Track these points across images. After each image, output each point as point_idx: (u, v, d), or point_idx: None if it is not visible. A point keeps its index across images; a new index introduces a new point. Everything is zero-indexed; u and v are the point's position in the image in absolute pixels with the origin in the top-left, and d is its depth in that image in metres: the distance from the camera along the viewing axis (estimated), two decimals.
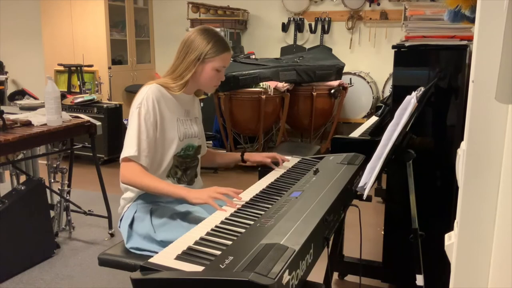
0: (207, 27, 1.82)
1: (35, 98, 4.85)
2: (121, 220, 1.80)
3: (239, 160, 2.06)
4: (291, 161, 2.03)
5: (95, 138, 3.01)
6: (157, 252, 1.17)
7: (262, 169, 1.99)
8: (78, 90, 5.21)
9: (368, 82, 5.25)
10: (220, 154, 2.18)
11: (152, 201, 1.77)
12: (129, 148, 1.67)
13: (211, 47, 1.75)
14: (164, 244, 1.58)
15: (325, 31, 5.67)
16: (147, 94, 1.72)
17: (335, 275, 2.57)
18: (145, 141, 1.69)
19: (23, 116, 2.74)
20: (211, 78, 1.80)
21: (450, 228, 1.13)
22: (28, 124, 2.63)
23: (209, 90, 1.92)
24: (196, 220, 1.60)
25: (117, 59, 6.08)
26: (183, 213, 1.69)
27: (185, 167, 1.86)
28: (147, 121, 1.70)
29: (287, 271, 0.97)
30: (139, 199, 1.78)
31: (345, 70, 4.99)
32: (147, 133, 1.69)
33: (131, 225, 1.74)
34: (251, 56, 5.18)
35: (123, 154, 1.68)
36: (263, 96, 4.36)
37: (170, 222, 1.67)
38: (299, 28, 5.76)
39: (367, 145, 2.32)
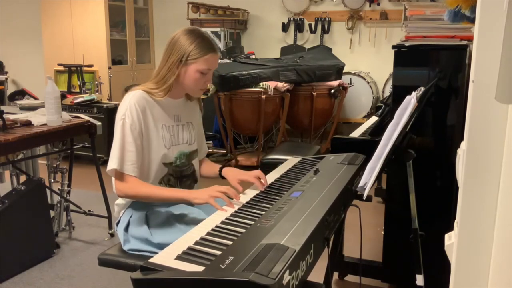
0: (193, 28, 1.74)
1: (35, 98, 4.85)
2: (117, 224, 1.80)
3: (217, 174, 1.91)
4: (291, 160, 2.03)
5: (95, 138, 3.01)
6: (155, 253, 1.17)
7: (262, 169, 1.98)
8: (78, 90, 5.21)
9: (368, 82, 5.25)
10: (205, 164, 2.01)
11: (147, 205, 1.75)
12: (111, 161, 1.64)
13: (194, 48, 1.67)
14: (161, 246, 1.57)
15: (325, 31, 5.67)
16: (130, 103, 1.67)
17: (335, 275, 2.57)
18: (134, 153, 1.65)
19: (23, 116, 2.74)
20: (195, 81, 1.71)
21: (450, 228, 1.13)
22: (28, 124, 2.63)
23: (195, 94, 1.82)
24: (193, 222, 1.60)
25: (117, 59, 6.08)
26: (179, 216, 1.68)
27: (180, 175, 1.82)
28: (133, 132, 1.65)
29: (287, 271, 0.97)
30: (133, 204, 1.77)
31: (345, 70, 4.99)
32: (135, 144, 1.65)
33: (126, 229, 1.73)
34: (251, 56, 5.17)
35: (108, 167, 1.66)
36: (263, 96, 4.36)
37: (166, 225, 1.66)
38: (299, 28, 5.76)
39: (367, 145, 2.32)
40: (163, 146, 1.74)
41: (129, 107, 1.66)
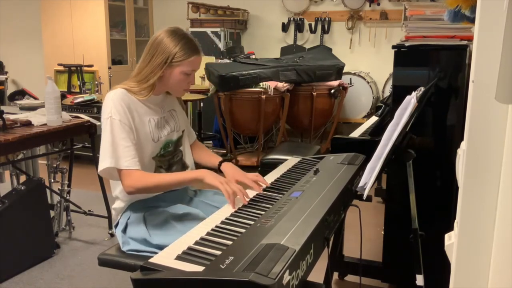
0: (176, 28, 1.73)
1: (35, 98, 4.85)
2: (115, 226, 1.79)
3: (215, 167, 1.86)
4: (291, 160, 2.03)
5: (95, 138, 3.01)
6: (155, 253, 1.17)
7: (262, 169, 1.98)
8: (78, 90, 5.21)
9: (368, 82, 5.25)
10: (203, 152, 2.01)
11: (145, 207, 1.74)
12: (104, 161, 1.61)
13: (179, 50, 1.66)
14: (160, 247, 1.56)
15: (325, 31, 5.67)
16: (113, 101, 1.64)
17: (335, 275, 2.57)
18: (131, 147, 1.63)
19: (23, 116, 2.74)
20: (180, 82, 1.72)
21: (450, 228, 1.13)
22: (28, 124, 2.63)
23: (178, 94, 1.84)
24: (192, 223, 1.58)
25: (117, 59, 6.08)
26: (178, 216, 1.67)
27: (168, 164, 1.81)
28: (124, 127, 1.63)
29: (287, 271, 0.97)
30: (130, 207, 1.76)
31: (345, 70, 4.99)
32: (129, 139, 1.63)
33: (124, 230, 1.72)
34: (251, 56, 5.17)
35: (100, 167, 1.62)
36: (263, 96, 4.36)
37: (164, 226, 1.65)
38: (299, 28, 5.76)
39: (367, 145, 2.32)
40: (151, 140, 1.73)
41: (113, 105, 1.64)
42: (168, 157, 1.81)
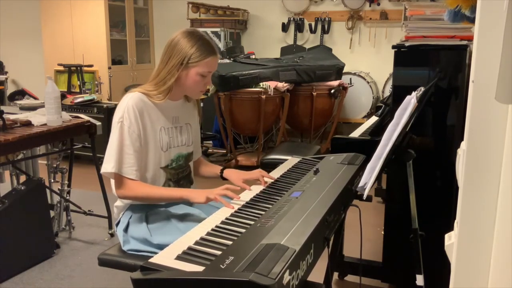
0: (193, 30, 1.74)
1: (35, 98, 4.84)
2: (117, 224, 1.79)
3: (218, 175, 1.91)
4: (291, 160, 2.03)
5: (95, 138, 3.01)
6: (155, 253, 1.17)
7: (262, 169, 1.98)
8: (78, 90, 5.21)
9: (368, 82, 5.25)
10: (206, 166, 2.02)
11: (146, 205, 1.75)
12: (108, 164, 1.63)
13: (195, 51, 1.66)
14: (161, 247, 1.57)
15: (325, 31, 5.67)
16: (127, 105, 1.64)
17: (335, 275, 2.57)
18: (132, 156, 1.64)
19: (23, 116, 2.74)
20: (196, 84, 1.71)
21: (450, 228, 1.13)
22: (28, 124, 2.63)
23: (195, 96, 1.83)
24: (193, 222, 1.60)
25: (117, 59, 6.08)
26: (179, 216, 1.68)
27: (177, 178, 1.82)
28: (131, 135, 1.64)
29: (287, 271, 0.97)
30: (132, 205, 1.76)
31: (345, 70, 4.99)
32: (133, 147, 1.64)
33: (126, 229, 1.72)
34: (251, 56, 5.17)
35: (104, 170, 1.64)
36: (263, 96, 4.36)
37: (166, 225, 1.66)
38: (299, 28, 5.76)
39: (367, 145, 2.32)
40: (159, 148, 1.73)
41: (126, 110, 1.64)
42: (178, 171, 1.82)
